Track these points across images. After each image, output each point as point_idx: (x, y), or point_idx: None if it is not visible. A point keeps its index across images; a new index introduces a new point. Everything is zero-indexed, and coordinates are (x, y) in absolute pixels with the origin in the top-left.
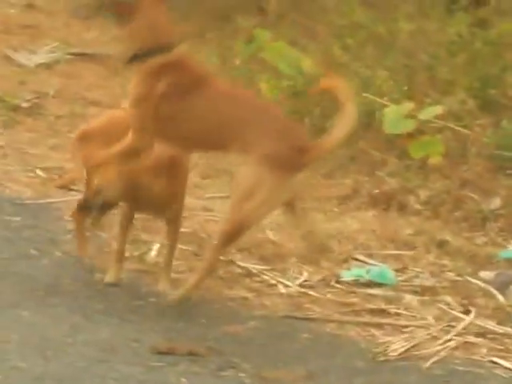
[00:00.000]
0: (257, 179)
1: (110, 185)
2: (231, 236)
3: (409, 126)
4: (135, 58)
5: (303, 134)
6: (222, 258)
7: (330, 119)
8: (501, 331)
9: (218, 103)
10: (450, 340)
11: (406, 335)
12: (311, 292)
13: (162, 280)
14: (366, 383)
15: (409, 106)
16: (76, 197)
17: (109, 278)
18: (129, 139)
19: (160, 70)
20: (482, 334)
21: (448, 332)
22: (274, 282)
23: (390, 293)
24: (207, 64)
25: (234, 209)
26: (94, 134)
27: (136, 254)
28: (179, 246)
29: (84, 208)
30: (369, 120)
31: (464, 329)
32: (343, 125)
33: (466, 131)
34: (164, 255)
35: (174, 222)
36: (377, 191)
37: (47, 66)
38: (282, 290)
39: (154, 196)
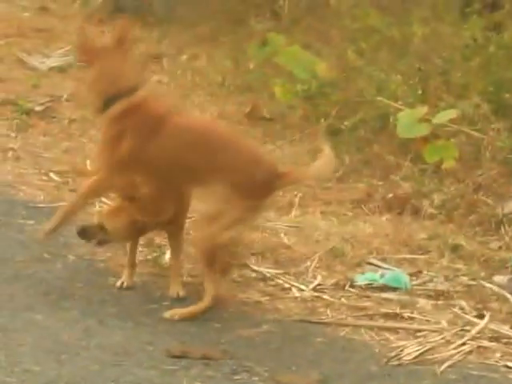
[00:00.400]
0: (224, 204)
1: (116, 230)
2: (207, 255)
3: (423, 130)
4: (104, 105)
5: (271, 162)
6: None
7: (346, 120)
8: None
9: (181, 140)
10: (463, 344)
11: (420, 339)
12: (325, 296)
13: (173, 285)
14: None
15: (423, 110)
16: None
17: (121, 282)
18: (96, 177)
19: (123, 115)
20: (496, 338)
21: (462, 336)
22: (287, 285)
23: (404, 297)
24: (220, 67)
25: (200, 230)
26: None
27: (150, 257)
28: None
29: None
30: (383, 124)
31: (478, 333)
32: (322, 165)
33: (480, 135)
34: (171, 263)
35: (177, 234)
36: (391, 195)
37: (60, 70)
38: (296, 293)
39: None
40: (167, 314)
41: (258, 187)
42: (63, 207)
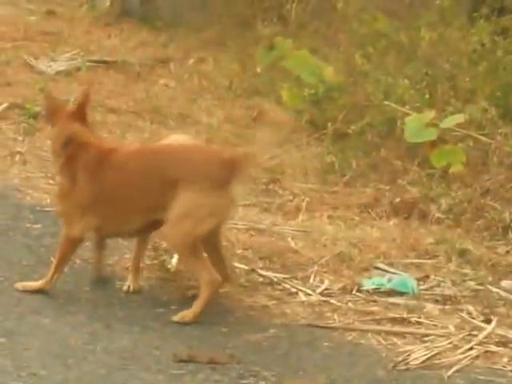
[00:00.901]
0: (192, 202)
1: None
2: (189, 248)
3: (430, 134)
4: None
5: (218, 154)
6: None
7: (354, 124)
8: None
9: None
10: (471, 349)
11: (427, 344)
12: (332, 300)
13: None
14: None
15: (430, 114)
16: None
17: (127, 286)
18: (62, 236)
19: (70, 160)
20: (504, 343)
21: (469, 341)
22: (294, 290)
23: (411, 301)
24: (227, 71)
25: (176, 227)
26: None
27: (156, 261)
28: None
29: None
30: (390, 128)
31: (485, 338)
32: (265, 137)
33: (487, 140)
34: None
35: None
36: (398, 200)
37: (67, 74)
38: (303, 298)
39: None
40: (176, 318)
41: (216, 179)
42: (54, 261)
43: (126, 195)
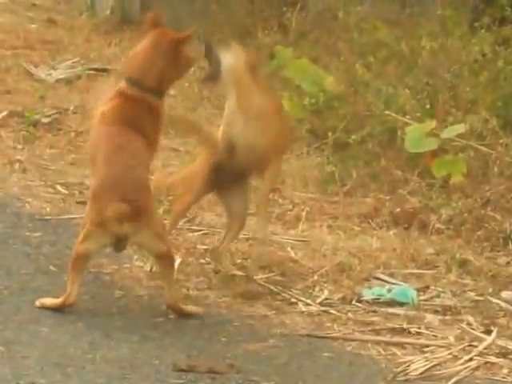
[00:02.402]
0: None
1: None
2: None
3: (431, 144)
4: None
5: None
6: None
7: (354, 134)
8: None
9: None
10: (470, 360)
11: (427, 355)
12: (332, 310)
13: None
14: None
15: (431, 124)
16: None
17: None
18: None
19: None
20: (504, 354)
21: (469, 352)
22: (294, 300)
23: (411, 312)
24: None
25: None
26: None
27: (156, 270)
28: (200, 261)
29: None
30: (390, 138)
31: (485, 349)
32: None
33: (488, 150)
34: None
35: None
36: (398, 210)
37: (67, 82)
38: (303, 308)
39: None
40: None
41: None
42: None
43: None
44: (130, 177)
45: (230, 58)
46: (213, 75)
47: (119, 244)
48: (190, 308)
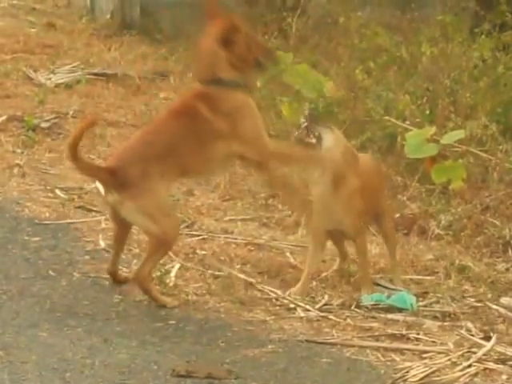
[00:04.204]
0: None
1: None
2: None
3: (431, 150)
4: None
5: None
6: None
7: (354, 139)
8: None
9: None
10: (469, 366)
11: (426, 361)
12: (331, 316)
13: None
14: None
15: (431, 130)
16: (95, 218)
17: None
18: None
19: None
20: (503, 360)
21: (468, 358)
22: (293, 305)
23: (410, 318)
24: None
25: None
26: None
27: (155, 275)
28: (199, 268)
29: None
30: (390, 144)
31: (484, 355)
32: None
33: (488, 156)
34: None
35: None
36: (398, 215)
37: (67, 86)
38: (302, 313)
39: None
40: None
41: None
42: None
43: None
44: None
45: (332, 140)
46: (309, 145)
47: None
48: (160, 296)
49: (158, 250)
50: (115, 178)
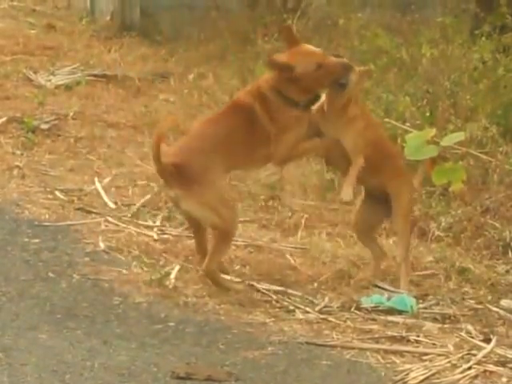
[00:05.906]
0: None
1: None
2: None
3: (431, 152)
4: None
5: None
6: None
7: None
8: None
9: None
10: (469, 368)
11: (426, 363)
12: (331, 318)
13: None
14: None
15: (431, 132)
16: (95, 220)
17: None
18: None
19: None
20: (503, 362)
21: (468, 360)
22: (293, 307)
23: (410, 320)
24: (228, 86)
25: None
26: None
27: (154, 278)
28: (198, 270)
29: None
30: None
31: (484, 357)
32: None
33: (488, 158)
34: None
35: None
36: None
37: (67, 88)
38: (302, 315)
39: None
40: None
41: None
42: None
43: None
44: None
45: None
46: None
47: None
48: (229, 283)
49: (223, 241)
50: (178, 174)
